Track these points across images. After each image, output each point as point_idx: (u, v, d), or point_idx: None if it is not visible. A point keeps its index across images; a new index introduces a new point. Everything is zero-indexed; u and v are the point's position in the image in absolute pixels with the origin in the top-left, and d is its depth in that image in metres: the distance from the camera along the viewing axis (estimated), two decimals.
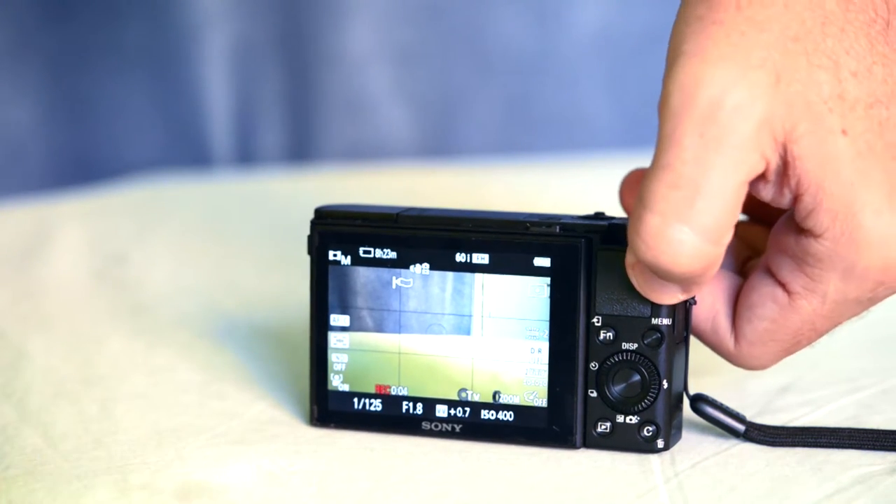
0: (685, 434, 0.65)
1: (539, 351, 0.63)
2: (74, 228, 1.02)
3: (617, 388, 0.63)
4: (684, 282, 0.58)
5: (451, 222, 0.64)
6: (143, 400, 0.71)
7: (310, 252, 0.66)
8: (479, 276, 0.64)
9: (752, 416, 0.66)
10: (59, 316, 0.86)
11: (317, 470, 0.62)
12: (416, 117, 1.42)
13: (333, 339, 0.66)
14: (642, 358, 0.62)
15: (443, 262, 0.64)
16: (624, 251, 0.61)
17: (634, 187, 0.66)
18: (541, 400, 0.64)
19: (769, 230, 0.62)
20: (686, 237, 0.55)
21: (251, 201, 1.17)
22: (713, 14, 0.55)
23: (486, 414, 0.64)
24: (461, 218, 0.64)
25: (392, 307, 0.65)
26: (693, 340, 0.65)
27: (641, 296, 0.62)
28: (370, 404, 0.66)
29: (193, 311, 0.87)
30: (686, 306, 0.63)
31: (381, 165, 1.36)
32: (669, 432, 0.63)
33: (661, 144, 0.55)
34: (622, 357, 0.63)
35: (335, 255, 0.65)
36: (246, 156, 1.38)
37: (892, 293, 0.59)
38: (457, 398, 0.65)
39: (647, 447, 0.63)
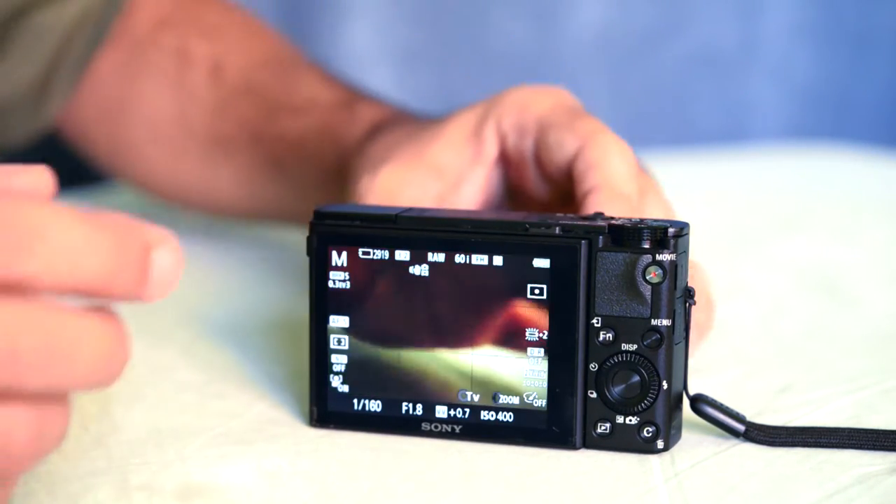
0: (685, 434, 0.65)
1: (539, 352, 0.63)
2: None
3: (616, 389, 0.63)
4: None
5: (450, 223, 0.64)
6: (143, 400, 0.71)
7: (309, 253, 0.66)
8: (477, 276, 0.64)
9: (752, 416, 0.66)
10: None
11: (317, 470, 0.62)
12: None
13: (333, 339, 0.66)
14: (642, 359, 0.62)
15: (442, 263, 0.64)
16: (624, 252, 0.61)
17: None
18: (540, 401, 0.64)
19: None
20: None
21: None
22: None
23: (485, 415, 0.64)
24: (460, 219, 0.64)
25: (391, 308, 0.65)
26: (693, 341, 0.65)
27: (641, 297, 0.62)
28: (370, 405, 0.66)
29: (193, 311, 0.86)
30: (686, 306, 0.63)
31: None
32: (669, 433, 0.63)
33: None
34: (622, 358, 0.63)
35: (334, 256, 0.65)
36: None
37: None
38: (456, 399, 0.65)
39: (647, 448, 0.63)
